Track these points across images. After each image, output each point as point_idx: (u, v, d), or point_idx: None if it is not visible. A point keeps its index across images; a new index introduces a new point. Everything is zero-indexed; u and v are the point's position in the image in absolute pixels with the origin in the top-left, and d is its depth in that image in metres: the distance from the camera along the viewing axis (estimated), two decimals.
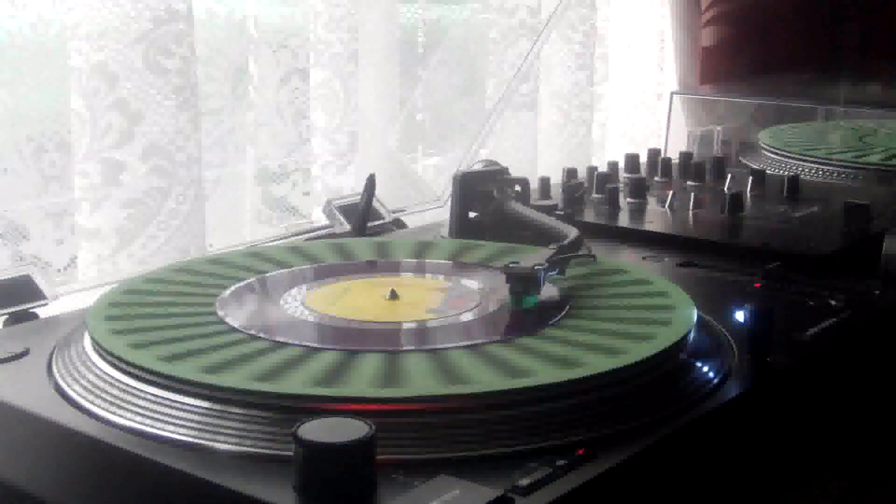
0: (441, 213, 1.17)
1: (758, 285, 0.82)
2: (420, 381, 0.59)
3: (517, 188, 0.96)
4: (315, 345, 0.64)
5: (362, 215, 1.00)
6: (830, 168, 1.28)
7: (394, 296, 0.73)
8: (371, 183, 1.00)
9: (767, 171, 1.19)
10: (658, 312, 0.69)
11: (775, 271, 0.83)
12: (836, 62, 2.11)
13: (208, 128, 1.11)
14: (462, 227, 0.95)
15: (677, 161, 1.21)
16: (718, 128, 1.45)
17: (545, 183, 1.08)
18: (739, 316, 0.70)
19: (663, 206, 1.05)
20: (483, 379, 0.58)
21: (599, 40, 1.63)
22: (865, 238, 0.93)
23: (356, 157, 1.24)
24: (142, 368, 0.60)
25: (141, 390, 0.59)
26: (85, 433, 0.57)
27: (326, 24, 1.19)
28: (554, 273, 0.75)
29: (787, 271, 0.83)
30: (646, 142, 1.61)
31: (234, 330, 0.67)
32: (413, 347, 0.65)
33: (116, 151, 0.97)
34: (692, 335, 0.66)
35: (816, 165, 1.29)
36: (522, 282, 0.71)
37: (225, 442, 0.55)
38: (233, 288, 0.75)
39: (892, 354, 0.78)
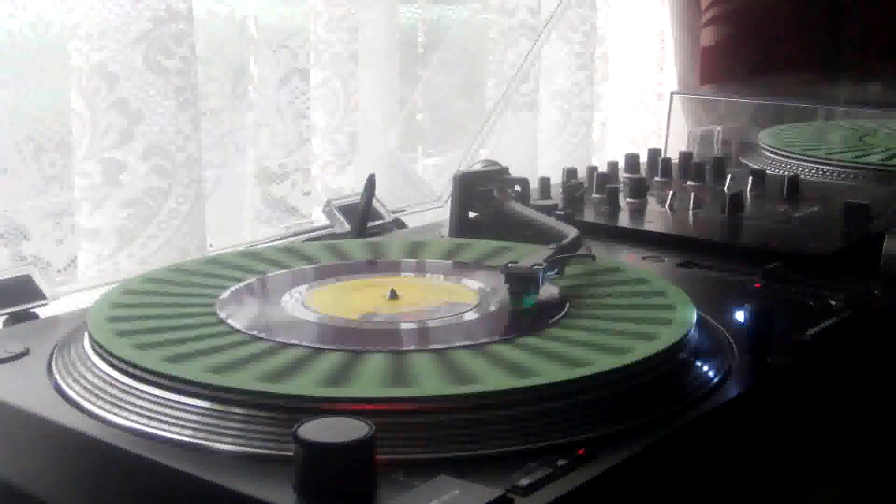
0: (441, 213, 1.17)
1: (758, 285, 0.82)
2: (420, 381, 0.59)
3: (517, 188, 0.96)
4: (316, 345, 0.64)
5: (362, 215, 1.00)
6: (830, 168, 1.28)
7: (394, 296, 0.74)
8: (371, 183, 1.00)
9: (767, 171, 1.19)
10: (658, 312, 0.69)
11: (775, 271, 0.83)
12: (836, 62, 2.10)
13: (208, 128, 1.11)
14: (462, 227, 0.95)
15: (677, 161, 1.21)
16: (718, 128, 1.45)
17: (545, 183, 1.08)
18: (739, 316, 0.70)
19: (663, 206, 1.05)
20: (483, 379, 0.58)
21: (599, 40, 1.63)
22: (865, 238, 0.93)
23: (356, 157, 1.24)
24: (142, 368, 0.60)
25: (141, 390, 0.59)
26: (85, 433, 0.57)
27: (326, 24, 1.19)
28: (553, 273, 0.75)
29: (787, 271, 0.83)
30: (646, 142, 1.61)
31: (234, 330, 0.67)
32: (414, 347, 0.65)
33: (116, 151, 0.97)
34: (692, 335, 0.66)
35: (816, 165, 1.29)
36: (522, 282, 0.71)
37: (225, 442, 0.55)
38: (233, 288, 0.75)
39: (892, 354, 0.78)
